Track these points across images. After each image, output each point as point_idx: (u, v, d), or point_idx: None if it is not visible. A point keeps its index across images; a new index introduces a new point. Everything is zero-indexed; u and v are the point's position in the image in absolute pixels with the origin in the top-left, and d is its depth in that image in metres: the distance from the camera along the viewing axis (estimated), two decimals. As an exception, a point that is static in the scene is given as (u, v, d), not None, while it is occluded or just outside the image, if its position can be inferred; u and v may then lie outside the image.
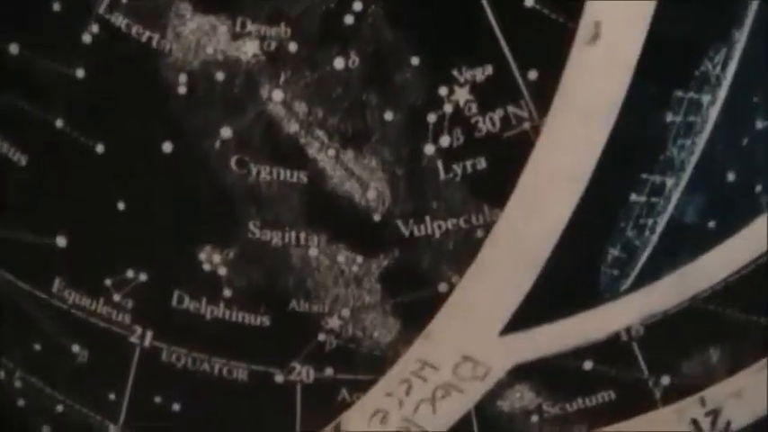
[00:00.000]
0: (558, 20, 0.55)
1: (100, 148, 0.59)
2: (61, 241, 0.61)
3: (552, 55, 0.55)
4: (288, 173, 0.58)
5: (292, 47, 0.56)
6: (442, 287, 0.59)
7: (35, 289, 0.62)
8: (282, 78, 0.56)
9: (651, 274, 0.58)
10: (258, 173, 0.58)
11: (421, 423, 0.61)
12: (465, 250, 0.58)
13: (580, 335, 0.59)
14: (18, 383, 0.64)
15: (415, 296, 0.59)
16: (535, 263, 0.58)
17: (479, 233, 0.58)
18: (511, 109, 0.56)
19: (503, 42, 0.55)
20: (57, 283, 0.62)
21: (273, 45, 0.56)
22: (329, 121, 0.57)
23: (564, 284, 0.58)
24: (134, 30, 0.57)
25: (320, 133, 0.57)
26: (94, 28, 0.58)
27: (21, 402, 0.65)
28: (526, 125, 0.56)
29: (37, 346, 0.64)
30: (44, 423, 0.65)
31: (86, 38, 0.58)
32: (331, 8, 0.55)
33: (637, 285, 0.58)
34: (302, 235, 0.59)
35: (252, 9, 0.56)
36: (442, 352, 0.60)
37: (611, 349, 0.60)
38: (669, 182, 0.56)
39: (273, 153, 0.58)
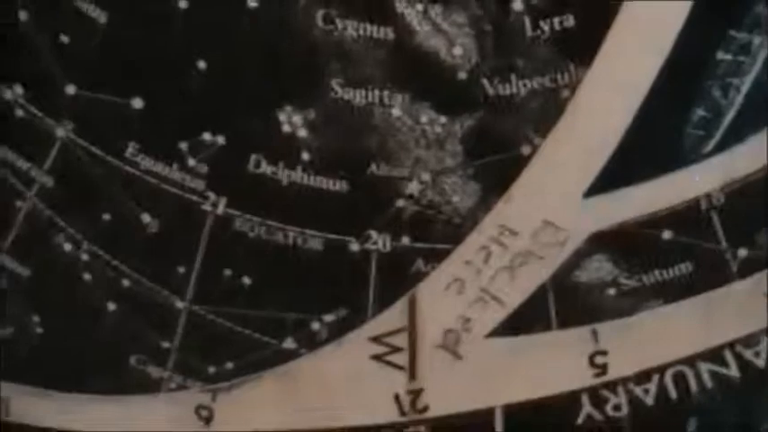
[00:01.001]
0: None
1: (183, 4, 0.60)
2: (137, 103, 0.62)
3: None
4: (374, 28, 0.59)
5: None
6: (525, 149, 0.60)
7: (108, 154, 0.63)
8: (372, -70, 0.57)
9: (736, 135, 0.59)
10: (344, 28, 0.59)
11: (497, 293, 0.62)
12: (550, 111, 0.60)
13: (663, 199, 0.61)
14: (85, 256, 0.65)
15: (498, 159, 0.61)
16: (620, 123, 0.59)
17: (565, 93, 0.59)
18: (601, -36, 0.57)
19: None
20: (130, 148, 0.63)
21: None
22: (418, -25, 0.58)
23: (648, 146, 0.60)
24: None
25: (409, -13, 0.58)
26: None
27: (86, 277, 0.65)
28: (614, -19, 0.57)
29: (106, 216, 0.64)
30: (109, 299, 0.65)
31: None
32: None
33: (721, 147, 0.60)
34: (386, 93, 0.60)
35: None
36: (523, 216, 0.61)
37: (690, 218, 0.62)
38: (756, 40, 0.58)
39: (361, 7, 0.59)
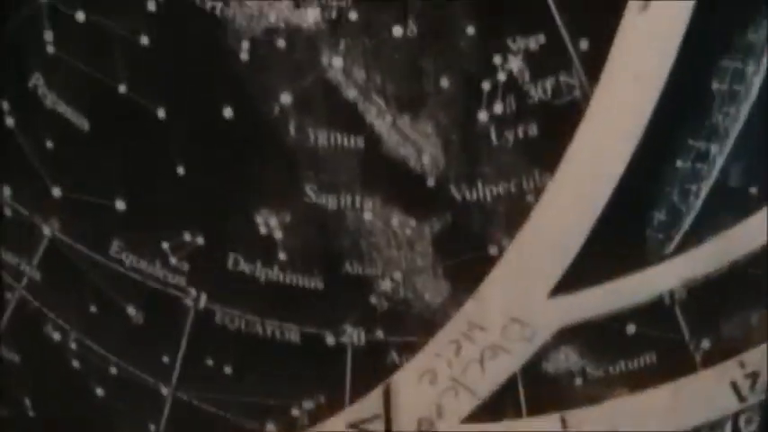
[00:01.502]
0: (609, -9, 0.59)
1: (161, 114, 0.63)
2: (120, 204, 0.65)
3: (602, 25, 0.59)
4: (345, 138, 0.62)
5: (352, 15, 0.60)
6: (493, 250, 0.63)
7: (93, 251, 0.67)
8: (342, 46, 0.61)
9: (695, 237, 0.62)
10: (316, 138, 0.62)
11: (469, 383, 0.66)
12: (515, 214, 0.63)
13: (625, 297, 0.64)
14: (73, 345, 0.69)
15: (466, 259, 0.63)
16: (583, 226, 0.62)
17: (530, 197, 0.62)
18: (562, 77, 0.60)
19: (555, 12, 0.59)
20: (114, 246, 0.66)
21: (334, 13, 0.60)
22: (387, 88, 0.61)
23: (611, 248, 0.63)
24: (198, -2, 0.61)
25: (378, 99, 0.61)
26: (159, -4, 0.61)
27: (75, 364, 0.69)
28: (577, 93, 0.60)
29: (93, 309, 0.68)
30: (98, 385, 0.69)
31: (151, 6, 0.61)
32: (391, -22, 0.59)
33: (681, 249, 0.62)
34: (357, 198, 0.63)
35: (314, -22, 0.60)
36: (492, 313, 0.64)
37: (653, 312, 0.65)
38: (713, 148, 0.61)
39: (331, 118, 0.62)
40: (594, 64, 0.60)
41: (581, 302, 0.64)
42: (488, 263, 0.64)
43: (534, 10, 0.60)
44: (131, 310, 0.68)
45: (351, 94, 0.62)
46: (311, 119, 0.62)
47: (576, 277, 0.64)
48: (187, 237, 0.66)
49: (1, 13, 0.64)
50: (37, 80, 0.65)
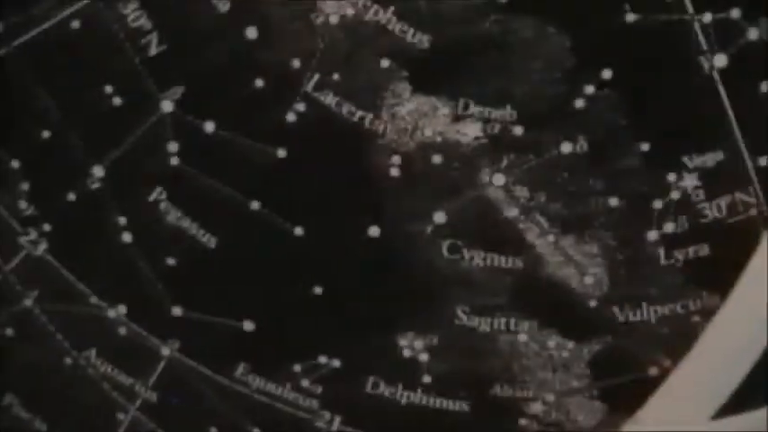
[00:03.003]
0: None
1: (298, 231, 0.57)
2: (248, 325, 0.60)
3: (784, 140, 0.55)
4: (503, 258, 0.57)
5: (517, 130, 0.55)
6: (653, 371, 0.59)
7: (217, 374, 0.61)
8: (505, 162, 0.56)
9: None
10: (471, 258, 0.57)
11: (620, 505, 0.61)
12: (679, 335, 0.59)
13: (789, 418, 0.59)
14: (191, 468, 0.63)
15: (624, 380, 0.59)
16: (755, 350, 0.58)
17: (696, 318, 0.58)
18: (738, 195, 0.56)
19: (736, 128, 0.54)
20: (240, 368, 0.61)
21: (497, 128, 0.55)
22: (551, 207, 0.56)
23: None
24: (345, 108, 0.56)
25: (541, 218, 0.56)
26: (300, 106, 0.56)
27: (192, 487, 0.63)
28: (753, 211, 0.56)
29: (213, 431, 0.62)
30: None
31: (291, 116, 0.56)
32: (561, 90, 0.54)
33: None
34: (512, 320, 0.58)
35: (476, 89, 0.55)
36: (651, 436, 0.60)
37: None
38: None
39: (489, 238, 0.57)
40: (774, 181, 0.56)
41: (743, 424, 0.60)
42: (648, 384, 0.60)
43: (713, 126, 0.55)
44: (257, 433, 0.63)
45: (511, 212, 0.57)
46: (466, 239, 0.57)
47: (741, 399, 0.60)
48: (322, 359, 0.60)
49: (119, 122, 0.58)
50: (159, 194, 0.58)
